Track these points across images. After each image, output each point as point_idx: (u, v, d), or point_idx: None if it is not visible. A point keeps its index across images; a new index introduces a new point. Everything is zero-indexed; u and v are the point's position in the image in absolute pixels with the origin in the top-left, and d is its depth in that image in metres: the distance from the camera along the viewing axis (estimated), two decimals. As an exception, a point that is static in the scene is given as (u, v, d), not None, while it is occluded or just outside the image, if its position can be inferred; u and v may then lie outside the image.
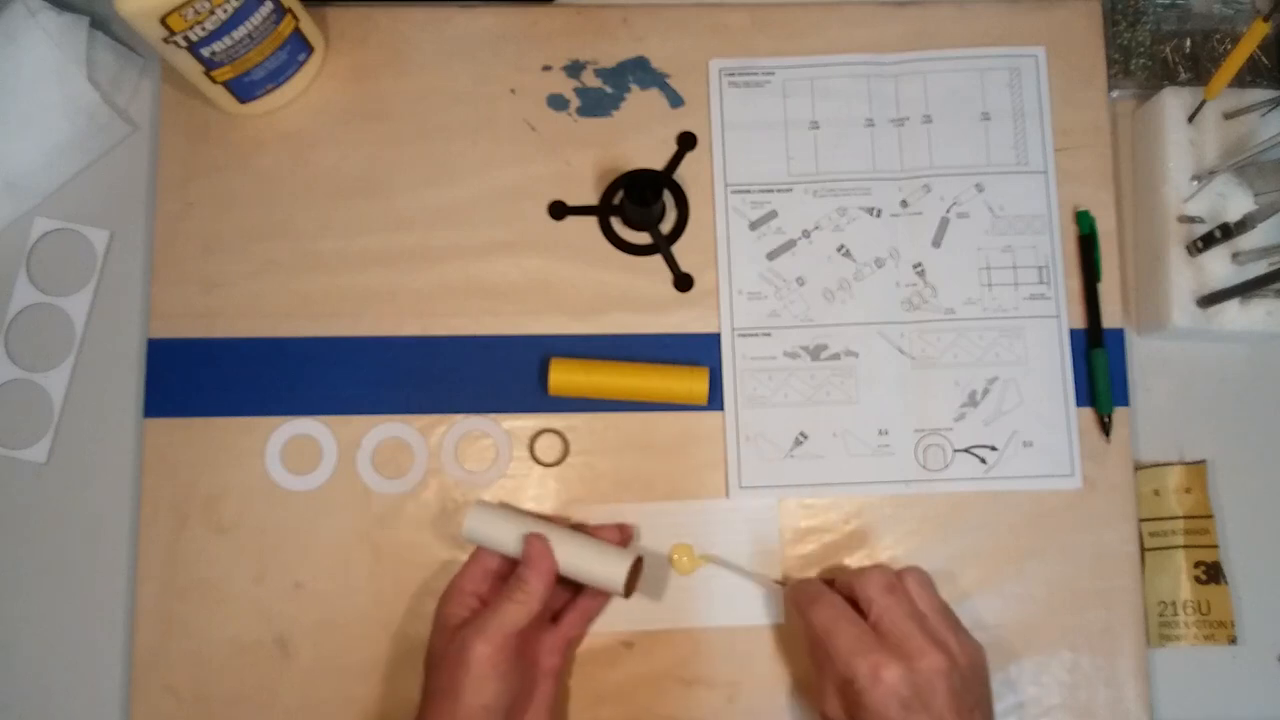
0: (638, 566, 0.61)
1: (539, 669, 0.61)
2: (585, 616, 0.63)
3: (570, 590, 0.63)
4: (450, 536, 0.65)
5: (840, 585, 0.60)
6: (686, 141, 0.70)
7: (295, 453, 0.66)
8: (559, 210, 0.69)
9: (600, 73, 0.70)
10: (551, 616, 0.63)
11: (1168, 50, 0.71)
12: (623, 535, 0.64)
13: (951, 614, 0.59)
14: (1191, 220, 0.67)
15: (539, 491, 0.66)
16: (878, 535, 0.66)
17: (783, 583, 0.64)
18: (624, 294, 0.68)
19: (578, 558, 0.60)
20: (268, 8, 0.62)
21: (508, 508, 0.65)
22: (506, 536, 0.61)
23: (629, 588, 0.60)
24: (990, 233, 0.69)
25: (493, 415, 0.67)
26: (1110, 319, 0.68)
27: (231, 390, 0.67)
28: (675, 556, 0.65)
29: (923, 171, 0.69)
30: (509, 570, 0.61)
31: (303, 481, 0.66)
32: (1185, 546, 0.66)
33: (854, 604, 0.59)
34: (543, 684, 0.61)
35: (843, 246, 0.69)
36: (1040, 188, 0.69)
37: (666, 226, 0.69)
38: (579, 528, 0.64)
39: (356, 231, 0.68)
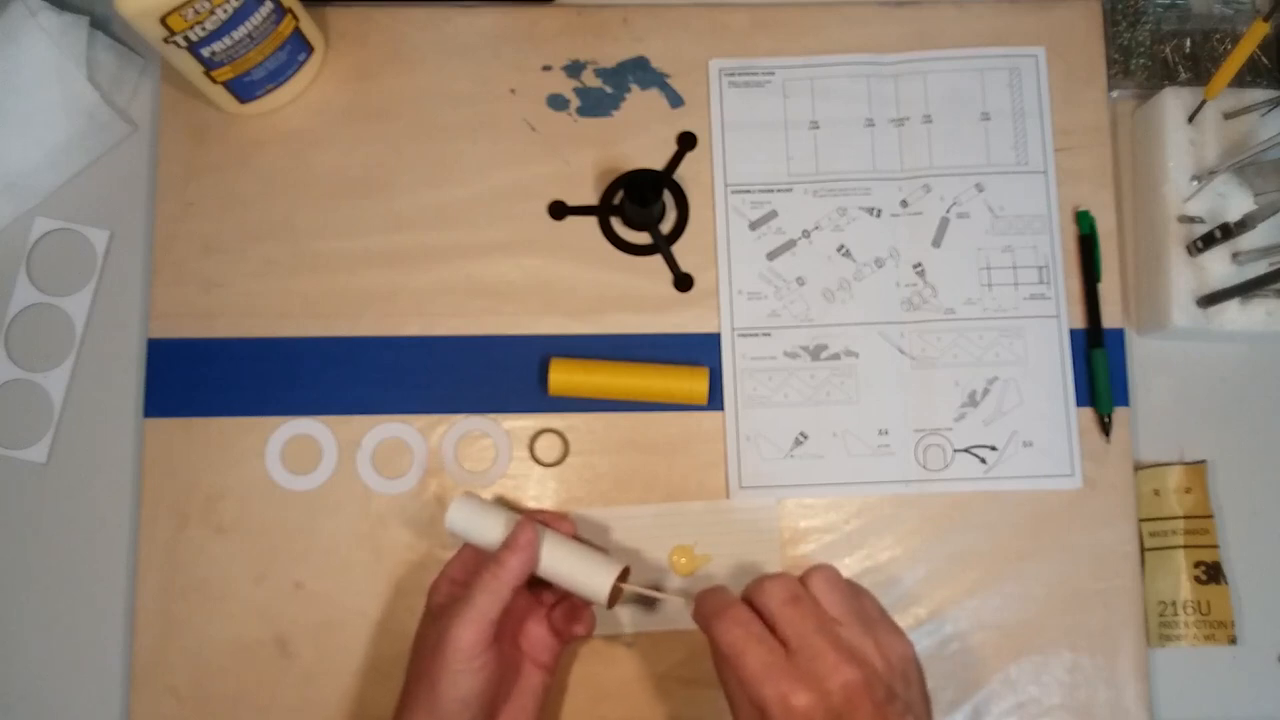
0: (623, 577, 0.60)
1: (527, 658, 0.61)
2: (569, 629, 0.61)
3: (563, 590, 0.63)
4: (451, 535, 0.65)
5: (745, 595, 0.54)
6: (686, 141, 0.70)
7: (295, 453, 0.66)
8: (559, 210, 0.69)
9: (600, 73, 0.70)
10: (547, 614, 0.62)
11: (1168, 50, 0.71)
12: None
13: (869, 610, 0.53)
14: (1191, 220, 0.67)
15: (539, 491, 0.66)
16: (878, 535, 0.66)
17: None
18: (624, 294, 0.68)
19: (562, 561, 0.59)
20: (268, 8, 0.62)
21: (494, 502, 0.64)
22: (489, 530, 0.60)
23: (613, 598, 0.59)
24: (990, 233, 0.69)
25: (493, 415, 0.67)
26: (1110, 319, 0.68)
27: (231, 390, 0.67)
28: (675, 557, 0.65)
29: (923, 171, 0.69)
30: None
31: (303, 481, 0.66)
32: (1185, 546, 0.66)
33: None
34: (531, 675, 0.60)
35: (843, 246, 0.69)
36: (1040, 188, 0.69)
37: (666, 226, 0.69)
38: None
39: (356, 231, 0.68)
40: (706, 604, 0.53)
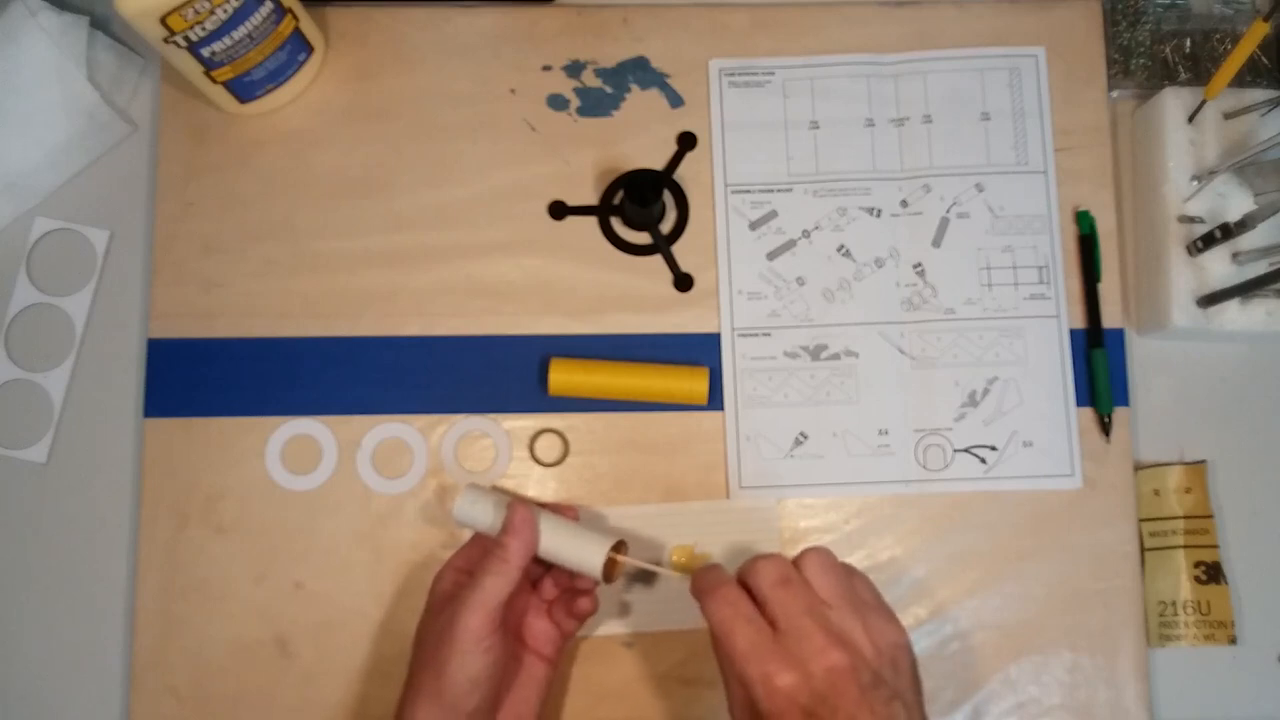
0: (619, 550, 0.60)
1: (530, 651, 0.61)
2: (574, 605, 0.61)
3: (565, 579, 0.63)
4: (451, 535, 0.65)
5: (739, 574, 0.54)
6: (686, 141, 0.70)
7: (295, 453, 0.66)
8: (559, 210, 0.69)
9: (600, 73, 0.70)
10: (548, 609, 0.62)
11: (1168, 50, 0.71)
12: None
13: (862, 594, 0.53)
14: (1191, 220, 0.67)
15: (539, 491, 0.66)
16: (878, 535, 0.66)
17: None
18: (624, 294, 0.68)
19: (562, 540, 0.60)
20: (268, 8, 0.62)
21: (498, 491, 0.65)
22: (494, 517, 0.60)
23: (609, 572, 0.59)
24: (990, 233, 0.69)
25: (493, 415, 0.67)
26: (1110, 319, 0.68)
27: (231, 390, 0.67)
28: (675, 557, 0.65)
29: (923, 171, 0.69)
30: None
31: (303, 481, 0.66)
32: (1185, 546, 0.66)
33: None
34: (534, 667, 0.61)
35: (843, 246, 0.69)
36: (1040, 188, 0.69)
37: (666, 226, 0.69)
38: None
39: (356, 231, 0.68)
40: (702, 581, 0.54)
